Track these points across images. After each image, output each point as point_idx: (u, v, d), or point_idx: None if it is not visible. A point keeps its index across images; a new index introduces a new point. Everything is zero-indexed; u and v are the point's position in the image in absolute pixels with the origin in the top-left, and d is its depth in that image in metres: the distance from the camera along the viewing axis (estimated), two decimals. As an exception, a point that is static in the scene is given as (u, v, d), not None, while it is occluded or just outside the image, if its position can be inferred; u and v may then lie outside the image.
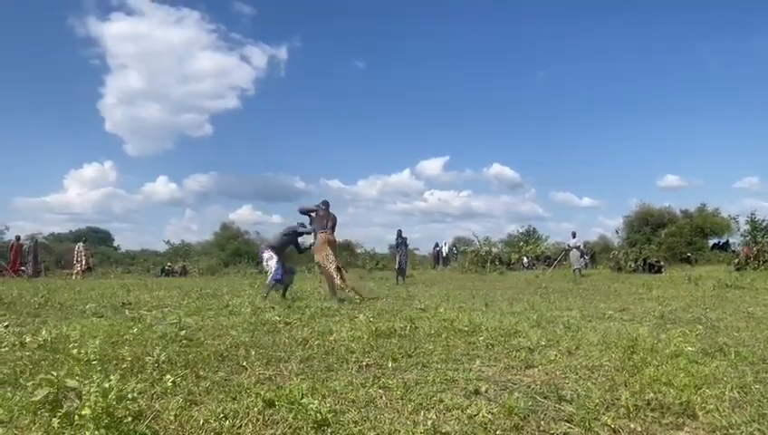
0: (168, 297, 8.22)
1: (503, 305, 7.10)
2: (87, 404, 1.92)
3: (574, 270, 16.39)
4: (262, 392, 2.43)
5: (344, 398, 2.46)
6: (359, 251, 31.46)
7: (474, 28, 49.77)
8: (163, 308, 6.50)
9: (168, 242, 30.48)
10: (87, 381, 2.14)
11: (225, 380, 2.81)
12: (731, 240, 24.84)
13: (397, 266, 14.03)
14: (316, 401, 2.29)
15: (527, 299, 8.10)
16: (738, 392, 2.54)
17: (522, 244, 27.09)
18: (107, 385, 2.02)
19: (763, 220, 19.43)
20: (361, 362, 3.24)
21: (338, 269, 7.89)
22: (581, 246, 17.64)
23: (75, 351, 3.06)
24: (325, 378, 2.83)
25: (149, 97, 46.72)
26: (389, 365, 3.12)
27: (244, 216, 49.41)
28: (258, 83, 47.41)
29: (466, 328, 4.39)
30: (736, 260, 18.44)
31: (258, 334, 4.26)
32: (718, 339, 3.93)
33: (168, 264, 24.16)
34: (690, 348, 3.55)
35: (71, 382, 2.22)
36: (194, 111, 51.35)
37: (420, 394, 2.49)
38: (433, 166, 51.48)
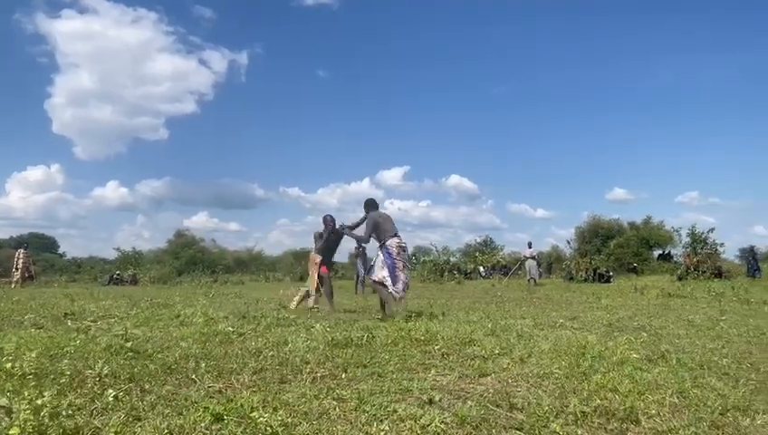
0: (115, 307, 7.84)
1: (459, 314, 7.18)
2: (16, 423, 1.80)
3: (529, 279, 16.84)
4: (210, 406, 2.34)
5: (297, 410, 2.40)
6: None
7: (435, 42, 50.77)
8: (109, 319, 6.19)
9: (118, 249, 29.25)
10: (18, 398, 2.00)
11: (172, 394, 2.70)
12: (673, 251, 26.22)
13: (357, 275, 13.98)
14: (267, 415, 2.23)
15: (483, 308, 8.23)
16: (677, 397, 2.65)
17: (478, 254, 27.61)
18: (40, 402, 1.90)
19: (703, 233, 20.60)
20: (316, 372, 3.18)
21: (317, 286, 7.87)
22: (536, 256, 18.15)
23: (9, 365, 2.86)
24: (278, 390, 2.77)
25: (102, 98, 45.04)
26: (344, 376, 3.08)
27: (199, 223, 48.16)
28: (217, 88, 46.57)
29: (423, 337, 4.40)
30: (678, 270, 19.49)
31: (210, 346, 4.12)
32: (661, 346, 4.10)
33: (118, 272, 23.12)
34: (635, 355, 3.71)
35: (1, 400, 2.07)
36: (149, 114, 49.80)
37: (374, 405, 2.47)
38: (393, 176, 51.95)
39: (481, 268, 26.46)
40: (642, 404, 2.51)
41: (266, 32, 52.79)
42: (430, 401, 2.58)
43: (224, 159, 56.05)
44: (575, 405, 2.47)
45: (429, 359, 3.68)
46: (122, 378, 2.92)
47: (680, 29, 46.53)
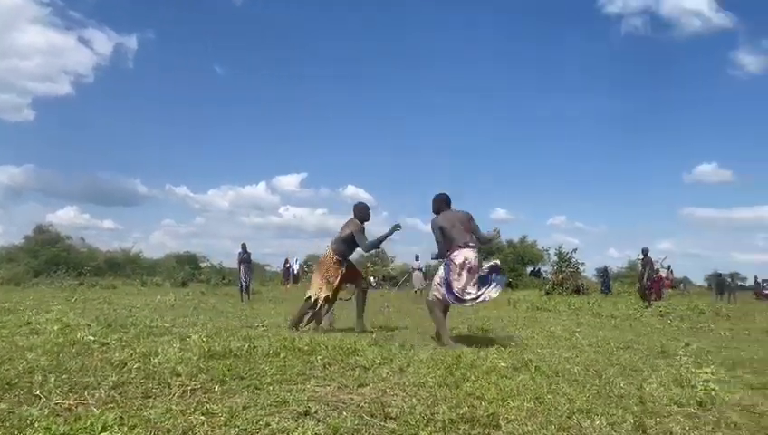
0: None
1: (347, 324, 7.22)
2: None
3: (415, 290, 17.50)
4: (53, 426, 2.08)
5: (158, 427, 2.22)
6: (203, 265, 29.49)
7: (341, 45, 51.11)
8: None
9: (-39, 244, 25.02)
10: None
11: (8, 412, 2.35)
12: (543, 268, 29.03)
13: (241, 283, 13.45)
14: (121, 434, 2.03)
15: (370, 318, 8.36)
16: (534, 403, 2.90)
17: (370, 264, 28.08)
18: None
19: (568, 253, 23.09)
20: (187, 386, 2.98)
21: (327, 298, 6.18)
22: (423, 268, 18.95)
23: None
24: (139, 406, 2.54)
25: (-50, 67, 38.51)
26: (216, 389, 2.92)
27: (66, 218, 43.14)
28: (99, 71, 42.42)
29: (306, 347, 4.35)
30: (546, 286, 21.66)
31: (64, 357, 3.67)
32: (525, 355, 4.47)
33: (-44, 271, 19.77)
34: (503, 364, 4.00)
35: None
36: (12, 91, 43.63)
37: (246, 419, 2.37)
38: (290, 181, 51.10)
39: (372, 279, 26.93)
40: (504, 410, 2.71)
41: (161, 17, 49.37)
42: (306, 413, 2.55)
43: (101, 149, 50.86)
44: (444, 413, 2.59)
45: (310, 369, 3.64)
46: (-57, 396, 2.49)
47: (555, 70, 52.06)
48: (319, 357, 3.99)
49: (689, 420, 2.76)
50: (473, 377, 3.49)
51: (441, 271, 5.27)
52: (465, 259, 5.05)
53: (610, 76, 52.78)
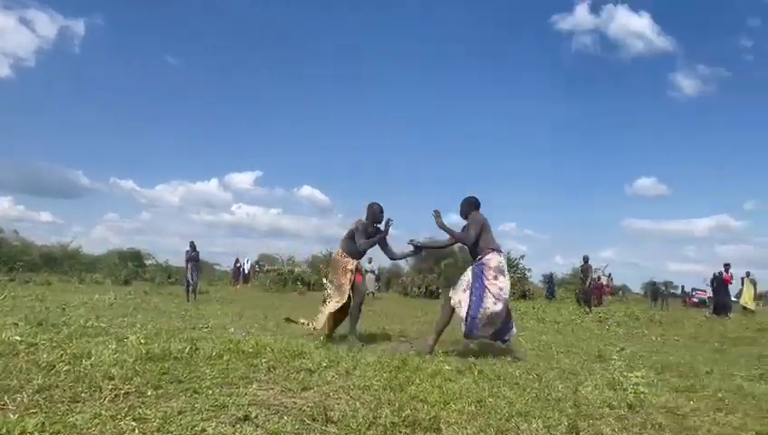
0: None
1: (295, 326, 7.12)
2: None
3: (367, 293, 17.52)
4: (-36, 435, 1.93)
5: (85, 434, 2.11)
6: (148, 262, 28.31)
7: (301, 43, 50.52)
8: None
9: None
10: None
11: None
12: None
13: (188, 282, 13.01)
14: (42, 441, 1.91)
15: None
16: (475, 406, 2.96)
17: (323, 266, 27.88)
18: None
19: (516, 259, 23.80)
20: (120, 390, 2.83)
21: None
22: (376, 271, 19.00)
23: None
24: (66, 411, 2.40)
25: None
26: (151, 393, 2.80)
27: (-1, 210, 40.27)
28: (42, 55, 40.06)
29: (251, 350, 4.25)
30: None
31: (-16, 359, 3.42)
32: (469, 359, 4.56)
33: None
34: (447, 367, 4.06)
35: None
36: (-61, 69, 40.48)
37: (181, 425, 2.28)
38: (243, 179, 49.96)
39: (325, 280, 26.71)
40: (445, 413, 2.75)
41: (112, 2, 47.06)
42: (245, 418, 2.49)
43: (41, 137, 47.79)
44: (387, 416, 2.60)
45: (254, 373, 3.56)
46: None
47: (508, 82, 53.70)
48: (263, 360, 3.91)
49: (619, 421, 2.90)
50: (418, 380, 3.52)
51: (469, 273, 4.96)
52: (500, 262, 4.94)
53: (561, 90, 54.89)
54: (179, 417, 2.40)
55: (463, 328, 4.96)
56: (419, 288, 21.65)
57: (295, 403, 2.85)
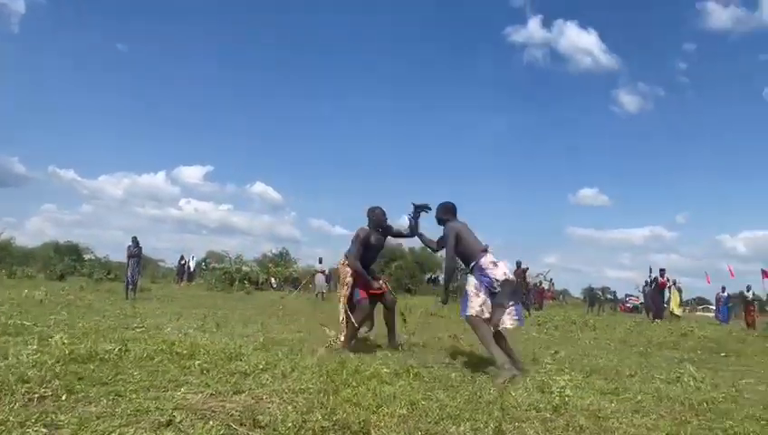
0: None
1: (236, 327, 6.97)
2: None
3: (317, 293, 17.41)
4: None
5: (-13, 442, 1.98)
6: (87, 257, 26.91)
7: (258, 36, 49.43)
8: None
9: None
10: None
11: None
12: (441, 277, 30.32)
13: (127, 279, 12.47)
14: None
15: (263, 320, 8.15)
16: (407, 409, 2.99)
17: (272, 265, 27.44)
18: None
19: (459, 265, 24.32)
20: (34, 393, 2.68)
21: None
22: (327, 272, 18.92)
23: None
24: (-31, 417, 2.24)
25: None
26: (68, 397, 2.66)
27: None
28: (-27, 32, 37.13)
29: (185, 351, 4.13)
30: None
31: None
32: (408, 361, 4.61)
33: None
34: (386, 370, 4.08)
35: None
36: None
37: (97, 431, 2.19)
38: (193, 173, 48.47)
39: (273, 280, 26.29)
40: (376, 417, 2.77)
41: (53, -20, 44.28)
42: (168, 423, 2.41)
43: (-29, 121, 44.34)
44: (317, 420, 2.59)
45: (185, 375, 3.46)
46: None
47: (462, 91, 54.96)
48: (197, 362, 3.81)
49: (543, 424, 3.02)
50: (354, 383, 3.53)
51: (473, 281, 4.72)
52: (492, 259, 4.78)
53: (511, 101, 56.81)
54: (96, 422, 2.29)
55: (521, 324, 4.76)
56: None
57: (224, 407, 2.78)
